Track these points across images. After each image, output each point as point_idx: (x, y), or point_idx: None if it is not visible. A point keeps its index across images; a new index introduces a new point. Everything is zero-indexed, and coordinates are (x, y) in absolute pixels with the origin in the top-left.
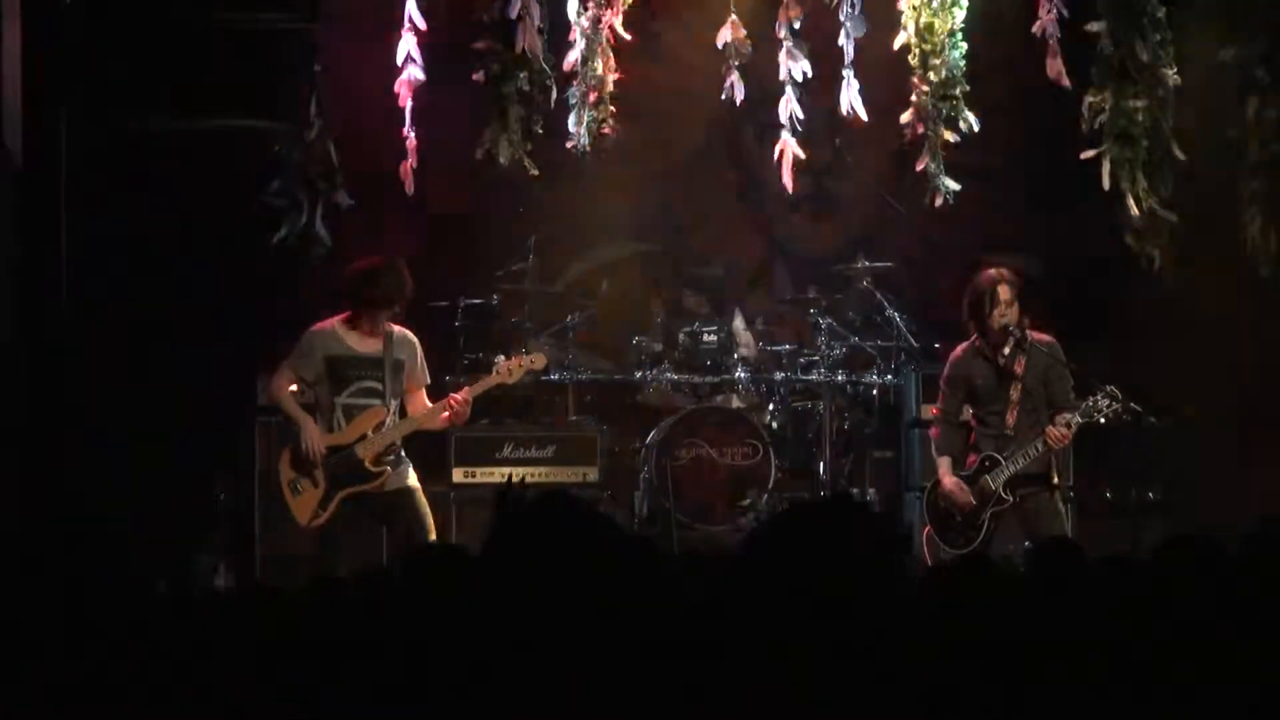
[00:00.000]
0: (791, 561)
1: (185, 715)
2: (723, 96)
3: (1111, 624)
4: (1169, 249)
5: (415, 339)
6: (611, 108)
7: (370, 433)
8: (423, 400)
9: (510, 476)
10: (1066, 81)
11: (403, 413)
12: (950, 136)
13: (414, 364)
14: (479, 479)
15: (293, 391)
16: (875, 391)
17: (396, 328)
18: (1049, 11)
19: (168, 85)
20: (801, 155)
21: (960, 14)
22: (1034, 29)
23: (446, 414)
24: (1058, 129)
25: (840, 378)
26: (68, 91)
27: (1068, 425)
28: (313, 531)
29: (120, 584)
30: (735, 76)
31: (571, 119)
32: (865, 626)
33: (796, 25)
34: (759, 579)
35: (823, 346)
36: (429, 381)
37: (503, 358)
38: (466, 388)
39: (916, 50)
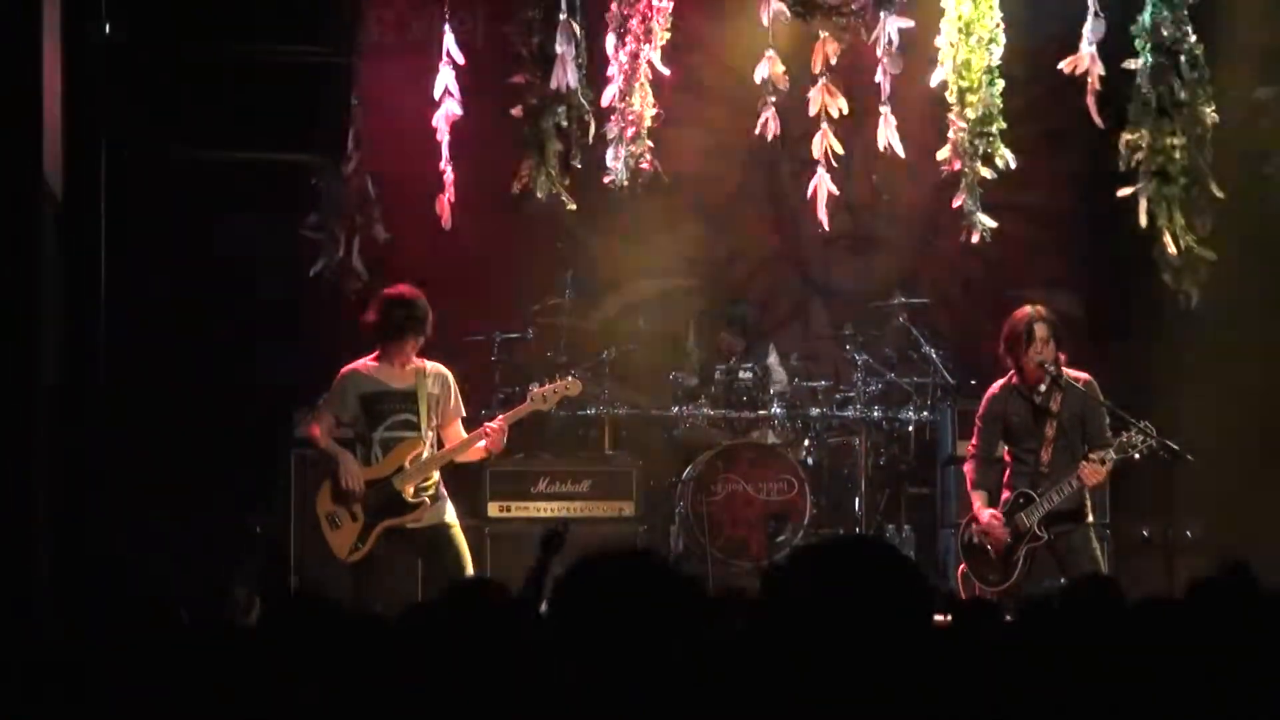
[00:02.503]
0: (807, 602)
1: None
2: (756, 131)
3: (1147, 665)
4: (1207, 287)
5: (449, 372)
6: (649, 143)
7: (407, 464)
8: (458, 432)
9: (561, 524)
10: (1099, 119)
11: (439, 446)
12: (987, 173)
13: (448, 397)
14: (514, 513)
15: (332, 431)
16: (911, 428)
17: (429, 362)
18: (1087, 47)
19: (205, 118)
20: (836, 192)
21: (997, 51)
22: (1062, 66)
23: (483, 443)
24: (1095, 166)
25: (876, 414)
26: (108, 126)
27: (1102, 461)
28: (350, 565)
29: (152, 616)
30: (771, 112)
31: (609, 154)
32: (881, 671)
33: (833, 61)
34: (776, 620)
35: (859, 382)
36: (464, 414)
37: (536, 385)
38: (502, 415)
39: (954, 87)
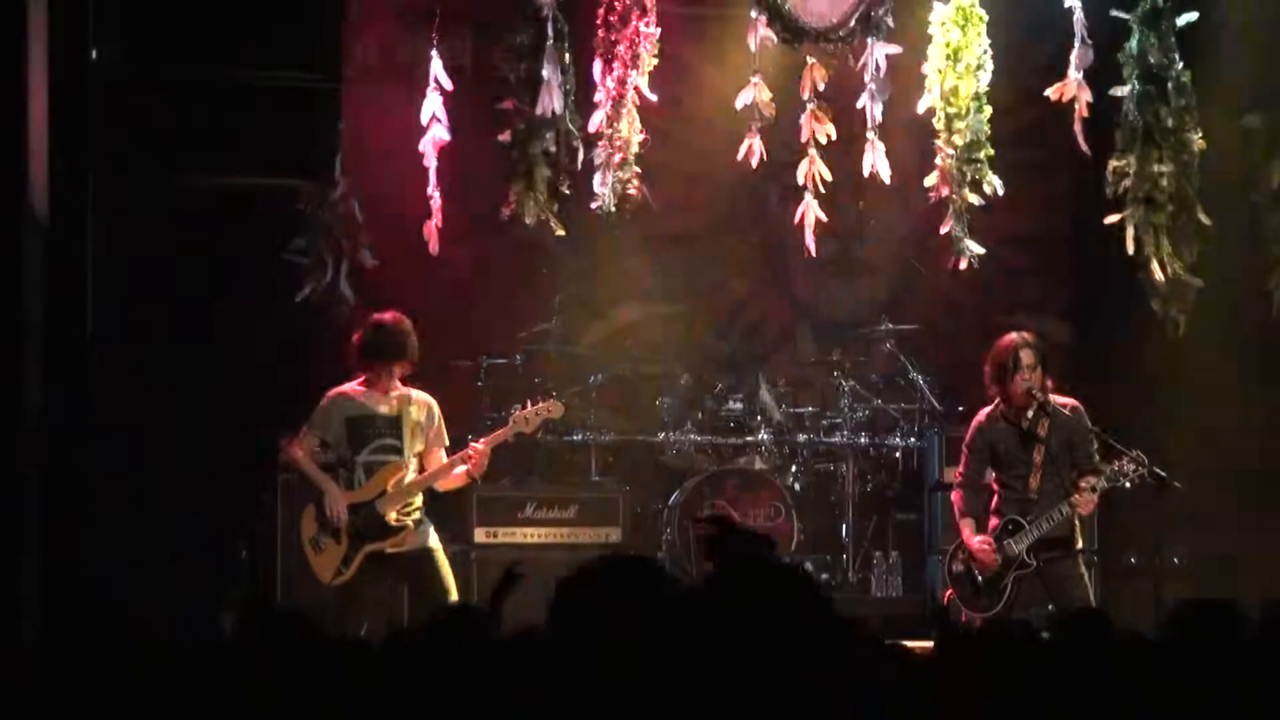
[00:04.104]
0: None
1: None
2: (740, 158)
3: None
4: (1194, 313)
5: (433, 401)
6: (636, 169)
7: (390, 488)
8: (440, 460)
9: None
10: (1085, 147)
11: (422, 472)
12: (975, 200)
13: (432, 425)
14: (501, 539)
15: (315, 453)
16: (898, 454)
17: (415, 390)
18: (1075, 74)
19: (192, 143)
20: (824, 218)
21: (985, 78)
22: (1049, 93)
23: (464, 467)
24: (1082, 193)
25: (863, 440)
26: (94, 149)
27: (1093, 489)
28: (334, 589)
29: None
30: (755, 138)
31: (597, 180)
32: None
33: (821, 88)
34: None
35: (846, 409)
36: (447, 443)
37: (519, 407)
38: (484, 438)
39: (942, 113)
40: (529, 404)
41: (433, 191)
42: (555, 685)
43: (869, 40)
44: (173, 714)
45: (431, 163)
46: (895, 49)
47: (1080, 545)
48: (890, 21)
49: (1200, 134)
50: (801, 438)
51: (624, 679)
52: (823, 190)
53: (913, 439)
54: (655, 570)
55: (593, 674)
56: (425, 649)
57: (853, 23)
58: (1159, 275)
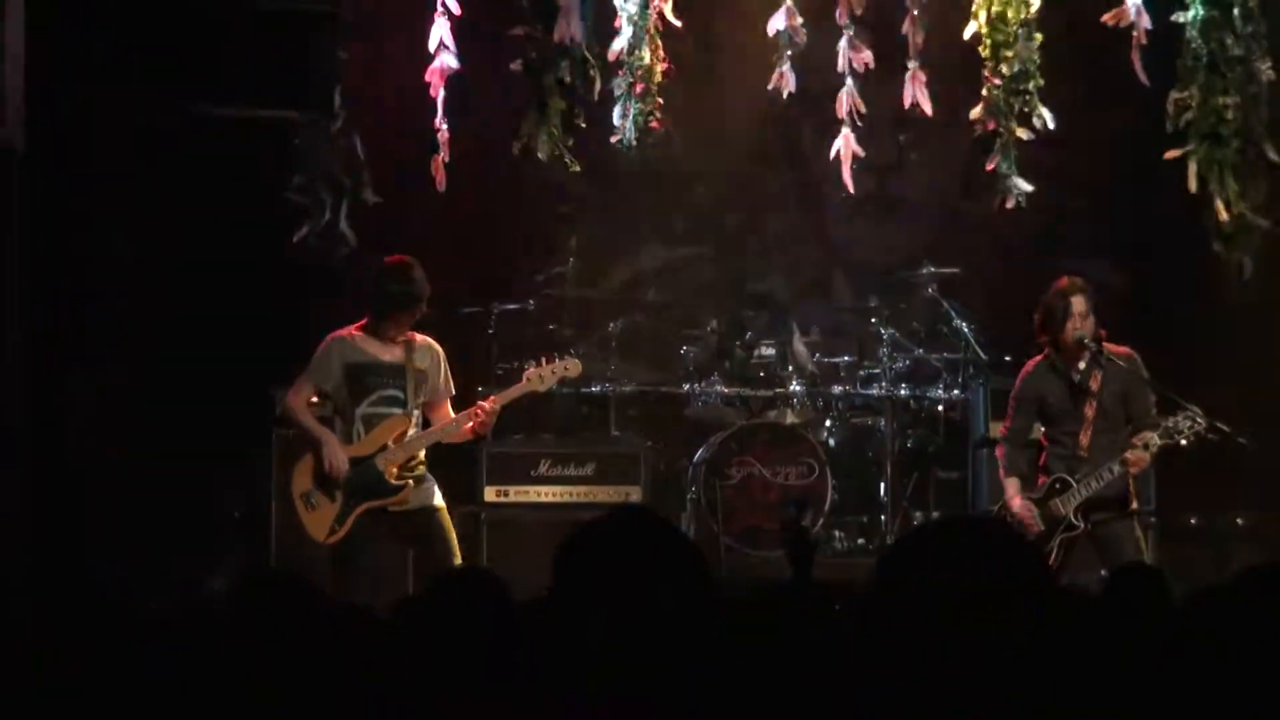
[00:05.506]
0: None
1: None
2: (770, 87)
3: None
4: (1261, 256)
5: (439, 348)
6: (659, 100)
7: (391, 444)
8: (447, 412)
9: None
10: (1144, 77)
11: (426, 425)
12: (1023, 134)
13: (437, 374)
14: (512, 498)
15: (312, 404)
16: (940, 407)
17: (419, 336)
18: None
19: (182, 70)
20: (861, 153)
21: (1035, 3)
22: (1105, 19)
23: (471, 424)
24: (1141, 127)
25: (903, 392)
26: (74, 73)
27: (1146, 447)
28: (330, 549)
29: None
30: (786, 66)
31: (616, 111)
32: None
33: (859, 13)
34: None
35: (884, 359)
36: (454, 393)
37: (533, 363)
38: (494, 396)
39: (988, 41)
40: (544, 361)
41: (440, 124)
42: (565, 651)
43: None
44: (163, 680)
45: (439, 93)
46: None
47: (1135, 506)
48: None
49: (1269, 63)
50: (837, 390)
51: (634, 642)
52: (860, 123)
53: (956, 391)
54: (665, 525)
55: (603, 638)
56: (429, 616)
57: None
58: (1223, 215)
